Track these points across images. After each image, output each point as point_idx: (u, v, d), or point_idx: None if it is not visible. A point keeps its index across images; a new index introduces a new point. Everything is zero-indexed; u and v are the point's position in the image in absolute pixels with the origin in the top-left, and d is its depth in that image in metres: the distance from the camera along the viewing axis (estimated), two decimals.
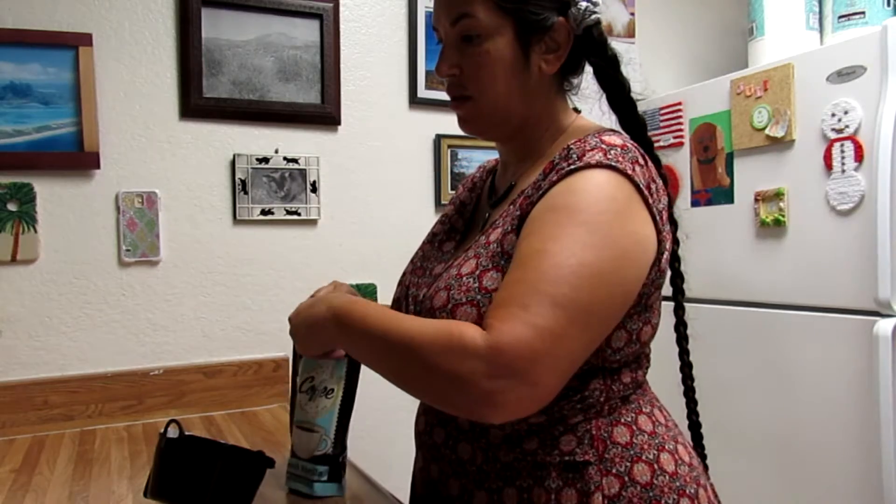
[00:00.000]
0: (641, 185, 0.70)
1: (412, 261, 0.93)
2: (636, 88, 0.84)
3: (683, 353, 0.90)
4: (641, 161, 0.73)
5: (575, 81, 0.85)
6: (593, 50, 0.81)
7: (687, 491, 0.75)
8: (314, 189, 1.72)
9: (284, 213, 1.69)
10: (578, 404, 0.73)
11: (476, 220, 0.91)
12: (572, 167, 0.70)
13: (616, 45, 0.84)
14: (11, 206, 1.44)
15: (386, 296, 1.60)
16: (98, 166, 1.50)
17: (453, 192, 1.59)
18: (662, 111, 2.06)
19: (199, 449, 0.79)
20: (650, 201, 0.71)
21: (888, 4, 1.80)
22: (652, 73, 2.26)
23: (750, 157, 1.80)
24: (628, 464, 0.73)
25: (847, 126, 1.55)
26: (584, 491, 0.72)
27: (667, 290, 0.81)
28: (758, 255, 1.79)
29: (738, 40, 2.36)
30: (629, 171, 0.70)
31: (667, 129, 2.04)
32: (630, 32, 2.23)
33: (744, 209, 1.82)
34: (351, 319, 0.75)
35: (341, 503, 0.91)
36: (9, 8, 1.43)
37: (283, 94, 1.69)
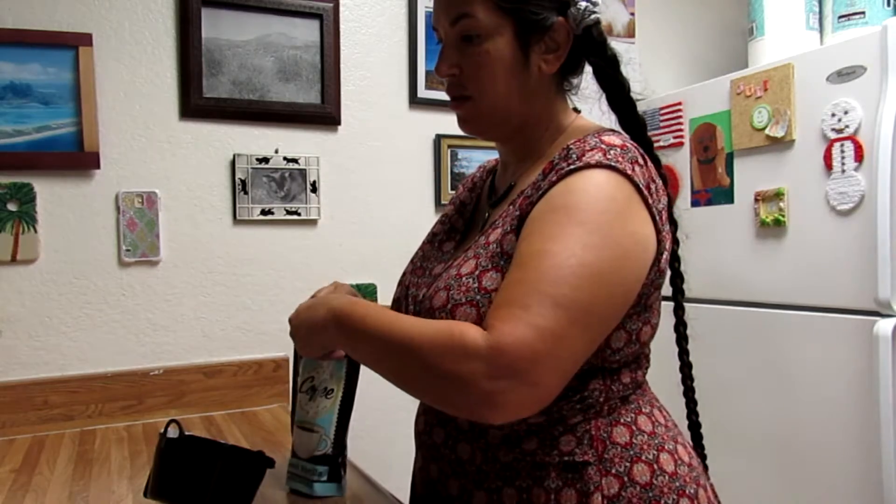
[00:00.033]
0: (641, 185, 0.70)
1: (412, 261, 0.93)
2: (636, 88, 0.84)
3: (683, 354, 0.90)
4: (641, 161, 0.73)
5: (575, 81, 0.85)
6: (593, 50, 0.81)
7: (686, 491, 0.75)
8: (314, 189, 1.72)
9: (284, 213, 1.69)
10: (578, 404, 0.73)
11: (476, 220, 0.91)
12: (572, 167, 0.70)
13: (616, 45, 0.84)
14: (11, 206, 1.44)
15: (386, 296, 1.60)
16: (98, 166, 1.50)
17: (453, 192, 1.59)
18: (662, 111, 2.06)
19: (199, 449, 0.79)
20: (650, 201, 0.71)
21: (888, 4, 1.80)
22: (652, 73, 2.26)
23: (750, 157, 1.80)
24: (628, 464, 0.73)
25: (847, 126, 1.55)
26: (583, 491, 0.72)
27: (667, 290, 0.81)
28: (758, 255, 1.79)
29: (738, 40, 2.36)
30: (629, 171, 0.70)
31: (667, 129, 2.04)
32: (630, 32, 2.23)
33: (744, 209, 1.82)
34: (351, 320, 0.75)
35: (341, 503, 0.91)
36: (9, 8, 1.43)
37: (283, 94, 1.69)
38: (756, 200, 1.77)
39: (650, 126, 1.99)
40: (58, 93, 1.46)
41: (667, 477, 0.74)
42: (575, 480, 0.72)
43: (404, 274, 0.92)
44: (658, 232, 0.72)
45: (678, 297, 0.90)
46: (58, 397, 1.45)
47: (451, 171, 1.90)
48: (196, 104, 1.59)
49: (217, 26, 1.61)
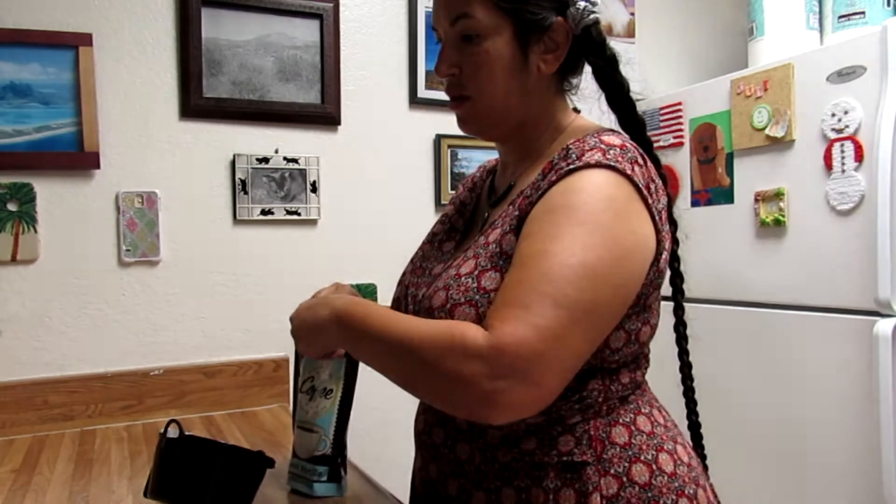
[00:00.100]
0: (640, 185, 0.70)
1: (412, 261, 0.93)
2: (635, 88, 0.84)
3: (683, 353, 0.90)
4: (640, 161, 0.73)
5: (574, 81, 0.85)
6: (592, 50, 0.81)
7: (686, 491, 0.75)
8: (314, 189, 1.72)
9: (284, 213, 1.69)
10: (577, 405, 0.73)
11: (476, 219, 0.91)
12: (571, 167, 0.70)
13: (616, 45, 0.84)
14: (11, 206, 1.44)
15: (386, 296, 1.60)
16: (98, 166, 1.50)
17: (453, 192, 1.59)
18: (662, 111, 2.06)
19: (199, 449, 0.79)
20: (649, 201, 0.71)
21: (888, 4, 1.80)
22: (652, 73, 2.26)
23: (750, 157, 1.80)
24: (626, 464, 0.73)
25: (847, 126, 1.55)
26: (582, 491, 0.71)
27: (666, 290, 0.81)
28: (758, 255, 1.79)
29: (738, 40, 2.36)
30: (628, 171, 0.70)
31: (667, 129, 2.04)
32: (630, 32, 2.23)
33: (744, 209, 1.82)
34: (352, 320, 0.75)
35: (341, 503, 0.91)
36: (9, 8, 1.43)
37: (283, 94, 1.69)
38: (756, 200, 1.77)
39: (650, 126, 1.99)
40: (58, 93, 1.46)
41: (666, 477, 0.74)
42: (573, 480, 0.72)
43: (404, 274, 0.92)
44: (658, 232, 0.72)
45: (678, 297, 0.90)
46: (58, 397, 1.45)
47: (451, 171, 1.90)
48: (196, 104, 1.59)
49: (217, 26, 1.61)
